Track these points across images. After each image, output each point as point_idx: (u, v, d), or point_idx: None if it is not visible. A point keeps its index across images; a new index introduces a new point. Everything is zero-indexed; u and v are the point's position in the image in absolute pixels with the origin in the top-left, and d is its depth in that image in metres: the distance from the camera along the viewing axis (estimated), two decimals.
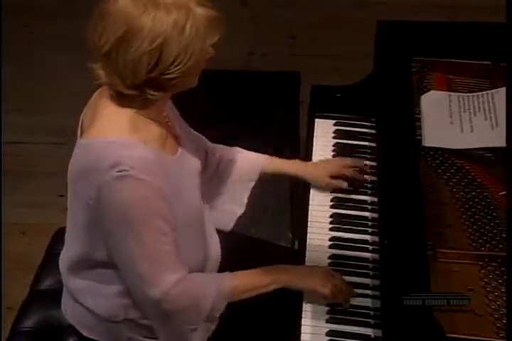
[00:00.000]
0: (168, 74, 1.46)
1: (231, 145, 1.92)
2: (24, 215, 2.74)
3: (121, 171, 1.45)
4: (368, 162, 1.96)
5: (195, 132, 1.82)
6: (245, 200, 1.87)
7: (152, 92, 1.49)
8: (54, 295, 1.81)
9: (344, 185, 1.88)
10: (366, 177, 1.90)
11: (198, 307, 1.57)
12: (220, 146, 1.89)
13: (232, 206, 1.86)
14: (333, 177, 1.89)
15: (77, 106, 3.25)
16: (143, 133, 1.53)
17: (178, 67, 1.45)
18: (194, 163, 1.67)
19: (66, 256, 1.69)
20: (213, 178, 1.85)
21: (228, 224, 1.86)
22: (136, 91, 1.49)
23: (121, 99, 1.52)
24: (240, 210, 1.87)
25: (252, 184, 1.87)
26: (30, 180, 2.88)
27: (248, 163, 1.87)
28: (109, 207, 1.48)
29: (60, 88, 3.18)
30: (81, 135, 1.57)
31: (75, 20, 3.46)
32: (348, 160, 1.92)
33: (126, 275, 1.56)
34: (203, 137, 1.86)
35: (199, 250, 1.67)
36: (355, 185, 1.89)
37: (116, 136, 1.49)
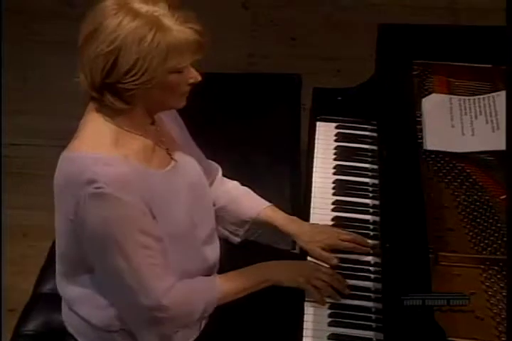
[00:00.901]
0: (124, 83, 1.44)
1: (232, 148, 1.92)
2: (26, 217, 2.74)
3: (97, 188, 1.44)
4: (369, 165, 1.96)
5: (206, 159, 1.79)
6: (238, 238, 1.85)
7: (111, 99, 1.48)
8: (56, 299, 1.80)
9: (334, 261, 1.73)
10: (365, 249, 1.76)
11: (190, 313, 1.59)
12: (234, 182, 1.85)
13: (224, 231, 1.85)
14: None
15: (77, 109, 3.24)
16: (125, 147, 1.51)
17: (133, 79, 1.44)
18: (188, 176, 1.64)
19: (60, 262, 1.68)
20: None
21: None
22: (98, 95, 1.48)
23: (101, 108, 1.51)
24: (232, 239, 1.85)
25: (246, 227, 1.83)
26: (32, 182, 2.87)
27: (246, 203, 1.82)
28: (85, 224, 1.48)
29: (61, 90, 3.16)
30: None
31: (75, 23, 3.48)
32: (347, 235, 1.78)
33: (112, 287, 1.56)
34: (216, 165, 1.84)
35: (195, 258, 1.66)
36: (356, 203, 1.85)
37: (96, 150, 1.48)
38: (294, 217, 1.82)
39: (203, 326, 1.70)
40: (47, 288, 1.91)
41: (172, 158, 1.62)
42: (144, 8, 1.43)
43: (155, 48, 1.42)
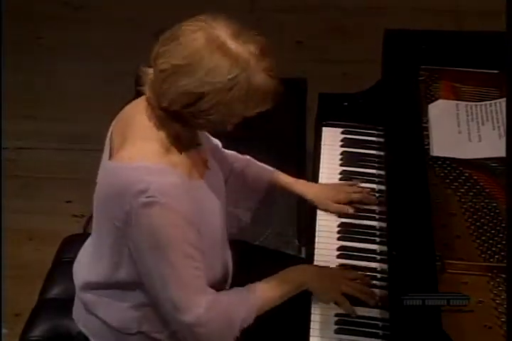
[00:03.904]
0: (196, 117, 1.48)
1: (238, 153, 1.92)
2: (32, 221, 2.74)
3: (149, 197, 1.46)
4: (375, 171, 1.96)
5: (222, 150, 1.83)
6: (250, 207, 1.87)
7: (173, 122, 1.51)
8: (63, 304, 1.82)
9: (350, 210, 1.84)
10: (374, 199, 1.86)
11: (231, 326, 1.57)
12: (233, 154, 1.88)
13: (235, 210, 1.85)
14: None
15: (85, 113, 3.27)
16: (173, 156, 1.53)
17: (207, 114, 1.47)
18: (219, 185, 1.68)
19: (84, 275, 1.70)
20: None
21: (231, 227, 1.84)
22: (164, 114, 1.50)
23: (154, 117, 1.53)
24: (243, 215, 1.87)
25: (259, 196, 1.87)
26: (38, 185, 2.89)
27: (257, 176, 1.87)
28: (138, 233, 1.50)
29: (69, 95, 3.19)
30: (110, 154, 1.58)
31: (85, 28, 3.51)
32: (351, 187, 1.88)
33: (158, 301, 1.56)
34: (219, 147, 1.85)
35: (222, 268, 1.68)
36: (362, 209, 1.86)
37: (146, 160, 1.50)
38: (301, 180, 1.89)
39: None
40: (53, 293, 1.91)
41: (207, 166, 1.65)
42: (236, 47, 1.44)
43: (240, 98, 1.45)
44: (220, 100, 1.45)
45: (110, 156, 1.58)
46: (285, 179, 1.89)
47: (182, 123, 1.52)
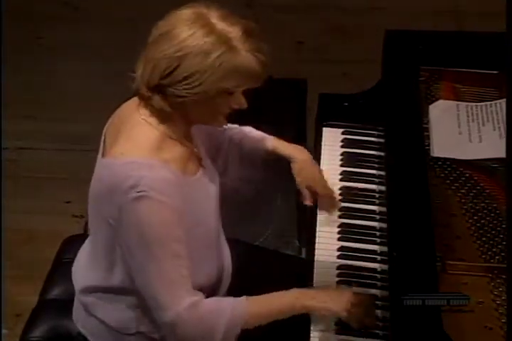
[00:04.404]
0: (176, 88, 1.48)
1: None
2: (32, 221, 2.74)
3: (140, 192, 1.46)
4: (375, 171, 1.96)
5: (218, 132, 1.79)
6: (249, 179, 1.88)
7: (159, 100, 1.51)
8: (63, 305, 1.82)
9: (307, 202, 1.78)
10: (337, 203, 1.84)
11: (209, 335, 1.53)
12: (233, 126, 1.83)
13: (235, 183, 1.85)
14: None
15: (85, 113, 3.27)
16: (166, 152, 1.54)
17: (186, 87, 1.47)
18: (213, 184, 1.67)
19: (82, 279, 1.70)
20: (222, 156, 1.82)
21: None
22: (148, 93, 1.51)
23: (147, 113, 1.54)
24: (242, 187, 1.88)
25: (257, 165, 1.83)
26: (38, 186, 2.89)
27: (253, 146, 1.82)
28: (128, 228, 1.49)
29: (69, 95, 3.19)
30: (103, 152, 1.58)
31: (85, 28, 3.51)
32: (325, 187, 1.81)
33: (144, 297, 1.56)
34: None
35: (215, 267, 1.67)
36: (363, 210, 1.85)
37: (138, 156, 1.50)
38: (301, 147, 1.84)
39: None
40: (53, 294, 1.91)
41: (201, 165, 1.65)
42: (219, 25, 1.47)
43: (217, 66, 1.46)
44: (195, 67, 1.45)
45: (103, 152, 1.58)
46: (279, 145, 1.82)
47: (169, 104, 1.51)
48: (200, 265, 1.59)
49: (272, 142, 1.82)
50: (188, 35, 1.46)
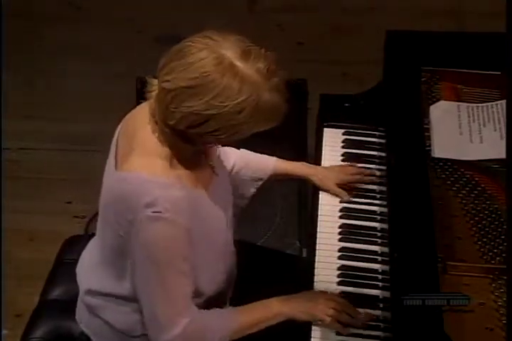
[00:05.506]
0: (203, 136, 1.47)
1: None
2: (32, 222, 2.74)
3: (155, 212, 1.47)
4: (376, 172, 1.96)
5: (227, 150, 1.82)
6: (250, 194, 1.88)
7: (178, 139, 1.50)
8: (64, 305, 1.82)
9: (346, 197, 1.89)
10: (373, 179, 1.92)
11: None
12: (232, 151, 1.87)
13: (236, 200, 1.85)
14: (341, 185, 1.90)
15: (85, 113, 3.26)
16: (178, 168, 1.54)
17: (215, 137, 1.47)
18: (226, 192, 1.69)
19: (89, 282, 1.71)
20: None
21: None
22: (166, 129, 1.49)
23: (162, 134, 1.52)
24: (242, 202, 1.87)
25: (261, 183, 1.88)
26: (38, 186, 2.88)
27: (259, 165, 1.88)
28: (138, 245, 1.50)
29: (70, 95, 3.18)
30: (116, 163, 1.57)
31: (85, 28, 3.50)
32: (351, 168, 1.93)
33: (143, 312, 1.57)
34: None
35: (225, 282, 1.68)
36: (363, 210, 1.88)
37: (153, 173, 1.50)
38: (303, 162, 1.95)
39: None
40: (54, 294, 1.91)
41: (215, 173, 1.66)
42: (245, 68, 1.41)
43: (249, 120, 1.44)
44: (227, 122, 1.43)
45: (116, 163, 1.58)
46: (286, 166, 1.91)
47: (185, 140, 1.51)
48: (210, 279, 1.60)
49: (278, 168, 1.89)
50: (220, 90, 1.40)
